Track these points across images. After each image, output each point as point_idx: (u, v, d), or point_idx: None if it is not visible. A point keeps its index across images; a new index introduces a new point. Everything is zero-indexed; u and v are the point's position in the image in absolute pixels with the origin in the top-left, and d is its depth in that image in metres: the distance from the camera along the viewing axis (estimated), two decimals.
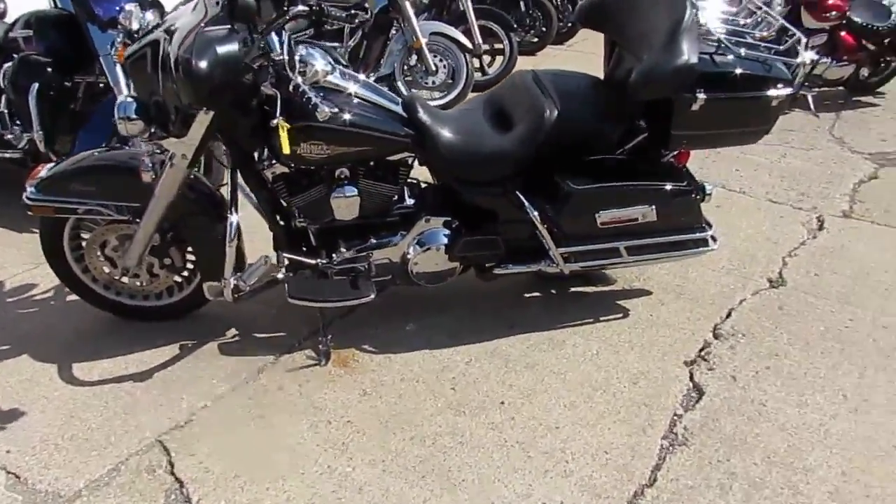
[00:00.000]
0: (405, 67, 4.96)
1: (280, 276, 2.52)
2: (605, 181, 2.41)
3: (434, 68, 4.92)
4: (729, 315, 2.74)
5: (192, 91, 1.91)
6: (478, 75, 5.49)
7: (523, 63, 5.53)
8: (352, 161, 2.35)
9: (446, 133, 2.39)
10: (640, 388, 2.36)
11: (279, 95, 2.04)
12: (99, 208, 2.36)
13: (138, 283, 2.59)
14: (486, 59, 5.60)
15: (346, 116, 2.24)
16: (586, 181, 2.40)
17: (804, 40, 2.41)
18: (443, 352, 2.54)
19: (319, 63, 2.19)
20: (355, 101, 2.28)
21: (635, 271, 2.96)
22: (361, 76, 2.41)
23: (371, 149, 2.32)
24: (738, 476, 2.02)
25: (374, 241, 2.51)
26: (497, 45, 5.57)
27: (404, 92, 4.97)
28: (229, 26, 1.97)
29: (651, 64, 2.23)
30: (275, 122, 1.95)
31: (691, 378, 2.41)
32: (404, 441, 2.15)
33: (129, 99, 2.09)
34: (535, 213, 2.42)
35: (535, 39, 6.49)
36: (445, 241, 2.52)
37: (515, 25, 5.81)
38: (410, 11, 4.75)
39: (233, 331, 2.65)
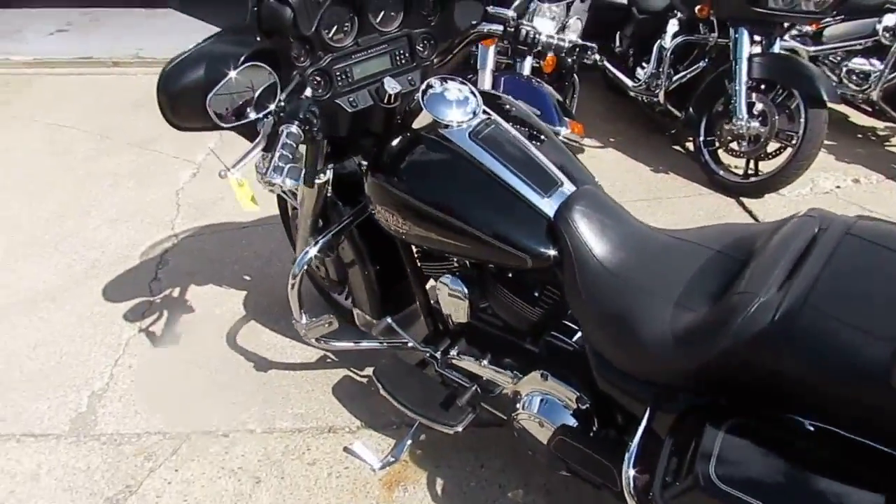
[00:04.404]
0: None
1: (410, 343, 2.05)
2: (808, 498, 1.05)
3: None
4: None
5: (161, 110, 1.55)
6: None
7: None
8: (449, 253, 1.65)
9: (601, 272, 1.40)
10: None
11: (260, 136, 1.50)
12: None
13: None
14: None
15: (439, 198, 1.55)
16: (755, 474, 1.08)
17: None
18: None
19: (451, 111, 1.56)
20: (480, 177, 1.54)
21: None
22: (530, 147, 1.61)
23: (468, 248, 1.56)
24: None
25: (489, 360, 1.77)
26: None
27: None
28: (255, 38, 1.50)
29: None
30: (222, 172, 1.45)
31: None
32: None
33: None
34: (631, 472, 1.28)
35: None
36: (564, 422, 1.59)
37: None
38: None
39: (368, 370, 2.30)
